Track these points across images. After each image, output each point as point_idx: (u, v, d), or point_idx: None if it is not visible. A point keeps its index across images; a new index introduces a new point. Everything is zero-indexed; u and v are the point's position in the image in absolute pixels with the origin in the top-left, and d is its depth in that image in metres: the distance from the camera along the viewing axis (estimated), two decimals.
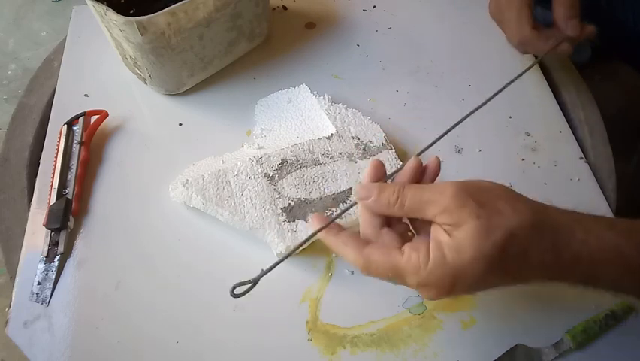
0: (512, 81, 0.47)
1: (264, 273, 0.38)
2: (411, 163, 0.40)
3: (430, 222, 0.37)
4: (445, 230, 0.36)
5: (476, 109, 0.43)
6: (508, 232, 0.35)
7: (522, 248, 0.36)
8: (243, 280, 0.38)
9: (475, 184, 0.37)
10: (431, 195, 0.36)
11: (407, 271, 0.36)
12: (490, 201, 0.36)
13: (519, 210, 0.36)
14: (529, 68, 0.53)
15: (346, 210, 0.40)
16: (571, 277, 0.38)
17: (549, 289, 0.48)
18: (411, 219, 0.40)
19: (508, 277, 0.37)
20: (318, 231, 0.39)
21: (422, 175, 0.40)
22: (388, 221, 0.40)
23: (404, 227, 0.40)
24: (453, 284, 0.35)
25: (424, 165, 0.40)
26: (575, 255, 0.37)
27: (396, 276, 0.37)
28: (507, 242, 0.35)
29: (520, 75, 0.50)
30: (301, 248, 0.50)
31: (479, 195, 0.36)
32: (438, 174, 0.41)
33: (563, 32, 0.55)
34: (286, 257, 0.39)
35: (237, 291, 0.38)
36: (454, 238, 0.35)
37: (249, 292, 0.49)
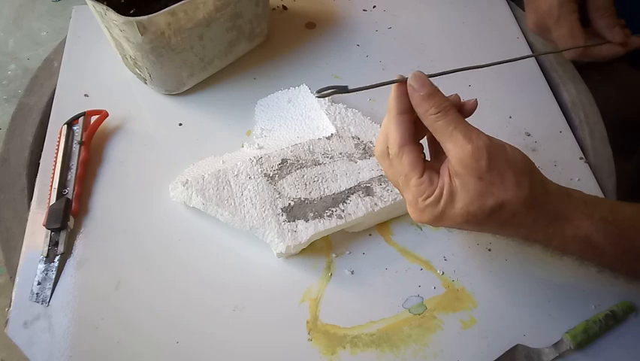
0: (542, 54, 0.57)
1: (355, 89, 0.40)
2: (472, 105, 0.42)
3: (444, 155, 0.40)
4: (449, 171, 0.39)
5: (510, 60, 0.46)
6: (499, 202, 0.38)
7: (504, 219, 0.39)
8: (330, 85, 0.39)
9: (500, 148, 0.39)
10: (459, 135, 0.38)
11: (412, 189, 0.40)
12: (501, 168, 0.38)
13: (520, 186, 0.38)
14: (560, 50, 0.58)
15: (387, 83, 0.40)
16: (539, 245, 0.45)
17: (549, 289, 0.48)
18: (429, 141, 0.44)
19: (483, 229, 0.41)
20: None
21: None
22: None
23: (420, 147, 0.42)
24: (433, 220, 0.40)
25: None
26: (548, 235, 0.41)
27: (403, 184, 0.40)
28: (494, 210, 0.38)
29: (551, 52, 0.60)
30: (301, 248, 0.50)
31: (495, 160, 0.38)
32: (473, 111, 0.42)
33: (608, 40, 0.56)
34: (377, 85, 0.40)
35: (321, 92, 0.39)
36: (452, 185, 0.38)
37: (250, 292, 0.49)
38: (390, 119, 0.41)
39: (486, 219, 0.39)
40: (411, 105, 0.40)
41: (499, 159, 0.38)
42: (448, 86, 0.64)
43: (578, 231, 0.40)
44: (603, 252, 0.41)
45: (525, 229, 0.40)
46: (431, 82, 0.40)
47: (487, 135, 0.39)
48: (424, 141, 0.44)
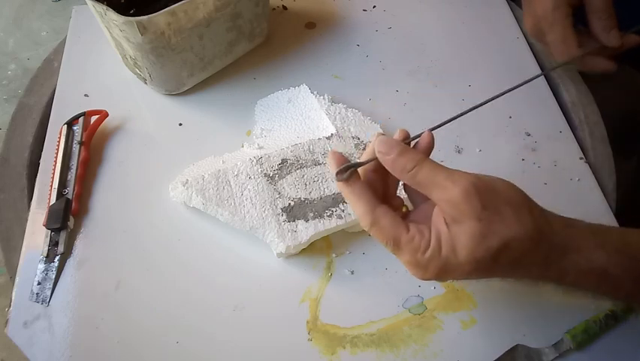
0: (541, 75, 0.57)
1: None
2: (426, 138, 0.40)
3: (429, 201, 0.38)
4: (445, 219, 0.36)
5: (497, 96, 0.44)
6: (504, 240, 0.35)
7: (514, 258, 0.37)
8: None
9: (490, 184, 0.37)
10: (443, 181, 0.36)
11: (406, 248, 0.37)
12: (497, 205, 0.36)
13: (522, 221, 0.36)
14: (563, 64, 0.58)
15: (365, 163, 0.39)
16: (553, 283, 0.43)
17: (549, 289, 0.48)
18: (409, 192, 0.42)
19: (492, 275, 0.39)
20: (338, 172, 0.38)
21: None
22: (385, 192, 0.41)
23: (399, 201, 0.41)
24: (439, 274, 0.37)
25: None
26: (562, 271, 0.39)
27: (394, 247, 0.37)
28: (501, 251, 0.36)
29: (554, 68, 0.60)
30: (301, 248, 0.50)
31: (488, 197, 0.36)
32: (430, 150, 0.40)
33: (604, 44, 0.55)
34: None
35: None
36: (451, 232, 0.36)
37: (250, 292, 0.49)
38: (347, 195, 0.39)
39: (495, 264, 0.36)
40: (389, 168, 0.38)
41: (491, 195, 0.36)
42: (448, 88, 0.64)
43: (593, 264, 0.39)
44: (621, 285, 0.40)
45: (537, 268, 0.38)
46: (397, 141, 0.38)
47: (472, 174, 0.37)
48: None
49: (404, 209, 0.42)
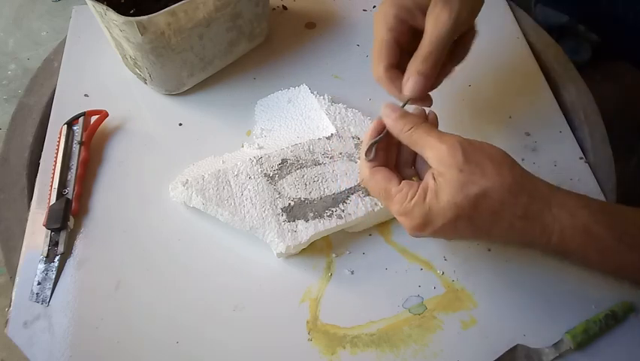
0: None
1: None
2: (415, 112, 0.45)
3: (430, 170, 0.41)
4: (433, 175, 0.40)
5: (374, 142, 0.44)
6: (482, 189, 0.38)
7: (493, 208, 0.39)
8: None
9: (476, 144, 0.41)
10: (433, 141, 0.40)
11: (394, 198, 0.41)
12: (479, 160, 0.39)
13: (502, 173, 0.39)
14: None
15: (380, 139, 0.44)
16: (540, 246, 0.41)
17: (549, 289, 0.48)
18: (418, 166, 0.46)
19: (479, 231, 0.41)
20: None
21: None
22: (398, 163, 0.46)
23: (411, 173, 0.46)
24: (425, 223, 0.40)
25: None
26: (545, 227, 0.40)
27: (386, 197, 0.42)
28: (479, 199, 0.38)
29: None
30: (301, 248, 0.50)
31: (471, 153, 0.39)
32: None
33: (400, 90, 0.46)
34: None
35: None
36: (436, 184, 0.39)
37: (250, 292, 0.49)
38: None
39: (475, 212, 0.39)
40: (389, 128, 0.43)
41: (475, 152, 0.40)
42: (448, 88, 0.64)
43: (576, 220, 0.39)
44: (606, 247, 0.40)
45: (519, 221, 0.39)
46: (399, 107, 0.44)
47: (461, 136, 0.41)
48: None
49: (414, 179, 0.45)
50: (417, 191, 0.40)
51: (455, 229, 0.40)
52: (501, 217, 0.39)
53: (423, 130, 0.42)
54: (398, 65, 0.47)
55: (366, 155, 0.44)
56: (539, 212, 0.40)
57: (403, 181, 0.42)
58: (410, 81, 0.44)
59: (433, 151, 0.40)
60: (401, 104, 0.45)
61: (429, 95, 0.47)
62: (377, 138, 0.44)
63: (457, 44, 0.47)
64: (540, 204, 0.40)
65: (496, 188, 0.38)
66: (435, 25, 0.43)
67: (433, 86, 0.47)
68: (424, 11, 0.45)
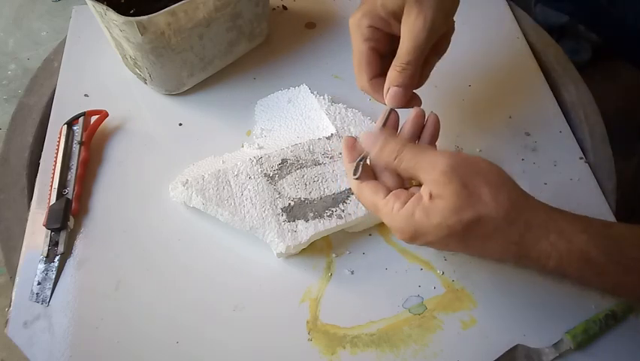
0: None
1: None
2: (414, 112, 0.44)
3: None
4: (430, 194, 0.39)
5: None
6: (477, 216, 0.38)
7: (487, 234, 0.38)
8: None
9: (470, 164, 0.40)
10: (424, 165, 0.40)
11: (382, 211, 0.41)
12: (476, 184, 0.38)
13: (499, 200, 0.38)
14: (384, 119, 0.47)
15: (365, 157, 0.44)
16: (537, 269, 0.42)
17: (549, 289, 0.48)
18: None
19: (471, 250, 0.41)
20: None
21: (421, 129, 0.45)
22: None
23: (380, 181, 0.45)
24: (414, 236, 0.40)
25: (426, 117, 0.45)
26: (541, 253, 0.39)
27: (375, 211, 0.42)
28: (473, 224, 0.38)
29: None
30: (301, 248, 0.50)
31: (468, 176, 0.39)
32: (437, 132, 0.45)
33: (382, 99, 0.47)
34: None
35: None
36: (431, 203, 0.39)
37: (250, 292, 0.49)
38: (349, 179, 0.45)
39: (467, 233, 0.38)
40: (376, 161, 0.44)
41: (472, 175, 0.39)
42: (448, 88, 0.64)
43: (574, 246, 0.39)
44: (606, 271, 0.40)
45: (515, 247, 0.39)
46: (378, 135, 0.43)
47: (455, 154, 0.40)
48: None
49: (413, 183, 0.45)
50: (405, 203, 0.40)
51: (447, 246, 0.40)
52: (495, 242, 0.39)
53: (410, 156, 0.41)
54: (381, 72, 0.47)
55: (353, 174, 0.44)
56: (536, 240, 0.39)
57: (390, 193, 0.42)
58: (390, 92, 0.45)
59: (427, 175, 0.39)
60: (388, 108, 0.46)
61: (416, 96, 0.47)
62: (360, 157, 0.44)
63: (437, 40, 0.46)
64: (537, 232, 0.39)
65: (492, 215, 0.38)
66: (410, 34, 0.43)
67: (419, 84, 0.47)
68: (397, 18, 0.44)
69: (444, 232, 0.38)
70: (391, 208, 0.40)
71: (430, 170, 0.39)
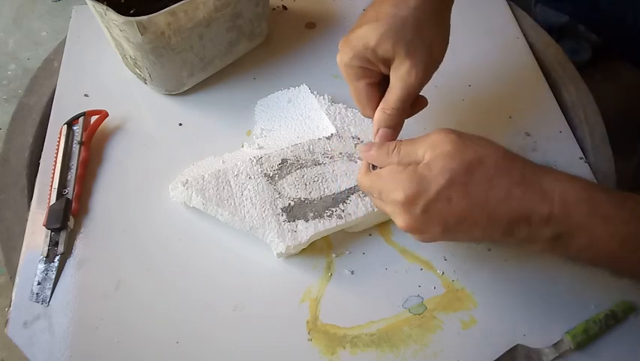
0: None
1: None
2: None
3: None
4: (429, 155, 0.40)
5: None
6: (477, 156, 0.38)
7: (488, 174, 0.38)
8: None
9: (461, 132, 0.41)
10: (420, 141, 0.41)
11: (386, 178, 0.41)
12: (470, 137, 0.40)
13: (494, 145, 0.39)
14: None
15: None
16: (543, 224, 0.38)
17: (549, 289, 0.48)
18: None
19: (474, 202, 0.38)
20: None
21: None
22: None
23: None
24: (417, 192, 0.38)
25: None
26: (545, 193, 0.38)
27: (379, 195, 0.42)
28: (474, 165, 0.38)
29: None
30: (301, 248, 0.50)
31: (462, 134, 0.40)
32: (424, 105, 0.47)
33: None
34: None
35: None
36: (431, 158, 0.39)
37: (250, 292, 0.49)
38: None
39: (469, 177, 0.38)
40: (377, 161, 0.45)
41: (466, 135, 0.40)
42: (448, 88, 0.64)
43: (576, 184, 0.38)
44: (610, 215, 0.37)
45: (517, 187, 0.38)
46: (370, 144, 0.45)
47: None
48: None
49: None
50: (408, 165, 0.40)
51: (449, 202, 0.38)
52: (497, 184, 0.38)
53: (406, 141, 0.42)
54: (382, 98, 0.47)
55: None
56: (537, 178, 0.38)
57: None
58: (380, 133, 0.45)
59: (424, 143, 0.40)
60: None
61: (422, 98, 0.48)
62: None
63: None
64: (538, 171, 0.39)
65: (491, 155, 0.38)
66: (401, 84, 0.44)
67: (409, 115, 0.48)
68: (387, 65, 0.45)
69: (445, 176, 0.38)
70: (395, 171, 0.40)
71: (426, 139, 0.40)
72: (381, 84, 0.46)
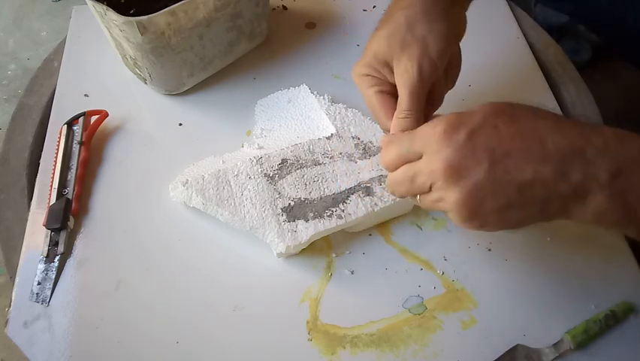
0: None
1: None
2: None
3: None
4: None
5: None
6: (511, 104, 0.37)
7: (532, 109, 0.37)
8: None
9: None
10: (428, 124, 0.39)
11: (419, 128, 0.40)
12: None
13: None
14: None
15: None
16: (600, 155, 0.34)
17: (549, 289, 0.48)
18: None
19: (523, 130, 0.36)
20: None
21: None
22: None
23: None
24: (459, 121, 0.37)
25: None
26: (596, 125, 0.36)
27: (413, 133, 0.40)
28: (514, 105, 0.37)
29: None
30: (301, 248, 0.50)
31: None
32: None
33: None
34: None
35: None
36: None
37: (250, 292, 0.49)
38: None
39: (514, 110, 0.37)
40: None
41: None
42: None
43: (626, 132, 0.34)
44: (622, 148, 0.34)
45: (566, 122, 0.36)
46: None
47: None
48: None
49: None
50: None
51: (496, 128, 0.36)
52: (544, 116, 0.37)
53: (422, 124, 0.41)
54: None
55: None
56: (548, 114, 0.37)
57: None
58: (394, 123, 0.45)
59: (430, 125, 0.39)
60: None
61: (436, 101, 0.49)
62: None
63: (445, 72, 0.47)
64: (546, 111, 0.38)
65: (523, 105, 0.38)
66: (403, 82, 0.44)
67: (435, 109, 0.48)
68: (389, 67, 0.45)
69: (490, 108, 0.37)
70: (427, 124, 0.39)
71: (433, 121, 0.39)
72: (394, 95, 0.46)
